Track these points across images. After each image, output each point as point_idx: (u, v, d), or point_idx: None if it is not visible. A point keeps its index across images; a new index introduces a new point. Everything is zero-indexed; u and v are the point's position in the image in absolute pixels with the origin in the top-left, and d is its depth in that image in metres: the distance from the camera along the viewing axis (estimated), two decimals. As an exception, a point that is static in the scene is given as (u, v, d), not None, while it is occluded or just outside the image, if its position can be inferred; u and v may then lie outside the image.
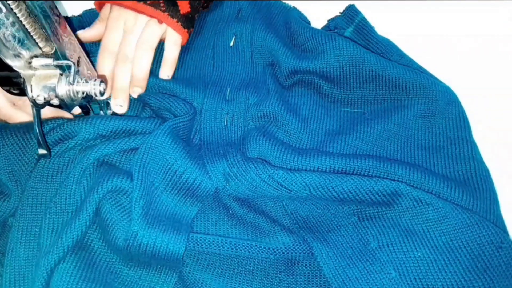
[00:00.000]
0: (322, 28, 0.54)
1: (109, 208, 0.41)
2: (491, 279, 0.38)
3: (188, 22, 0.51)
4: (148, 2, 0.48)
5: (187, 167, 0.44)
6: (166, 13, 0.49)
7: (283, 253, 0.43)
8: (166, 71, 0.51)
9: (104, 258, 0.41)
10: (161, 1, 0.49)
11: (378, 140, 0.46)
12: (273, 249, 0.43)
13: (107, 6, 0.51)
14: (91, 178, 0.43)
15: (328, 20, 0.55)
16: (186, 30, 0.51)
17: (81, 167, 0.43)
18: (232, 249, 0.42)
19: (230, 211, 0.45)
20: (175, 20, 0.49)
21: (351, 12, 0.53)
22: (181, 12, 0.50)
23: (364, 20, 0.53)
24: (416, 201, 0.41)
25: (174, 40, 0.51)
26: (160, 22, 0.49)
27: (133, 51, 0.49)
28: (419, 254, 0.40)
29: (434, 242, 0.40)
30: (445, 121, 0.47)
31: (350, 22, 0.53)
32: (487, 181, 0.44)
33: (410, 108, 0.47)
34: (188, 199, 0.44)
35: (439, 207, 0.41)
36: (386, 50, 0.51)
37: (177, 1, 0.49)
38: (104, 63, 0.49)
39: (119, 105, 0.48)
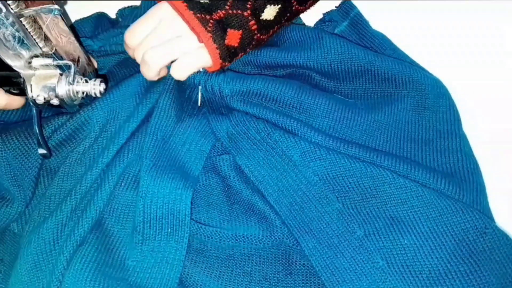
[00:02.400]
0: (317, 22, 0.55)
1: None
2: (476, 263, 0.39)
3: (227, 56, 0.46)
4: (198, 15, 0.44)
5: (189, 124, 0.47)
6: (210, 35, 0.44)
7: (280, 238, 0.44)
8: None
9: (121, 242, 0.43)
10: (211, 21, 0.44)
11: (367, 129, 0.47)
12: (271, 236, 0.44)
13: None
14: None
15: (324, 14, 0.55)
16: (221, 61, 0.46)
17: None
18: (231, 239, 0.44)
19: (227, 182, 0.46)
20: (215, 45, 0.44)
21: (346, 6, 0.53)
22: (226, 42, 0.45)
23: (359, 14, 0.53)
24: (400, 188, 0.42)
25: (201, 65, 0.47)
26: (200, 40, 0.44)
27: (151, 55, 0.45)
28: (405, 241, 0.40)
29: (420, 228, 0.40)
30: (435, 114, 0.47)
31: (345, 16, 0.53)
32: (474, 173, 0.44)
33: (400, 101, 0.48)
34: (193, 153, 0.47)
35: (424, 194, 0.41)
36: (380, 44, 0.52)
37: (228, 30, 0.45)
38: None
39: None
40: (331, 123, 0.46)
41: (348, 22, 0.53)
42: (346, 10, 0.53)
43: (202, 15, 0.44)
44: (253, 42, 0.47)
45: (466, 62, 0.51)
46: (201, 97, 0.49)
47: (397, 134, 0.47)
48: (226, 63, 0.47)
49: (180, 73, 0.46)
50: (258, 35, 0.47)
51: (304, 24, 0.55)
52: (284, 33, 0.52)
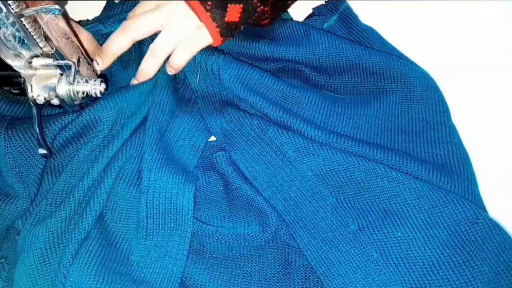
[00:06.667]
0: (306, 17, 0.55)
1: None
2: (468, 253, 0.39)
3: (228, 31, 0.46)
4: None
5: (183, 120, 0.48)
6: (208, 14, 0.44)
7: (278, 233, 0.44)
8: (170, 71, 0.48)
9: (124, 237, 0.43)
10: (209, 0, 0.44)
11: (358, 123, 0.47)
12: (269, 231, 0.44)
13: None
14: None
15: (313, 8, 0.55)
16: (222, 38, 0.47)
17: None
18: (231, 239, 0.44)
19: (225, 179, 0.47)
20: (215, 24, 0.45)
21: (336, 1, 0.54)
22: (226, 19, 0.45)
23: (348, 9, 0.53)
24: (393, 181, 0.42)
25: (202, 46, 0.47)
26: (201, 20, 0.45)
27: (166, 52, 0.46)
28: (399, 234, 0.41)
29: (413, 220, 0.41)
30: (424, 106, 0.48)
31: (335, 11, 0.54)
32: (465, 163, 0.45)
33: (388, 95, 0.48)
34: (187, 148, 0.47)
35: (416, 187, 0.42)
36: (369, 38, 0.52)
37: (229, 5, 0.45)
38: (122, 43, 0.47)
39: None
40: (323, 118, 0.47)
41: (337, 17, 0.54)
42: (336, 4, 0.54)
43: None
44: (256, 14, 0.47)
45: (455, 54, 0.52)
46: (199, 79, 0.50)
47: (388, 127, 0.47)
48: (228, 39, 0.47)
49: (182, 60, 0.47)
50: (262, 7, 0.47)
51: (292, 19, 0.55)
52: (273, 29, 0.52)
